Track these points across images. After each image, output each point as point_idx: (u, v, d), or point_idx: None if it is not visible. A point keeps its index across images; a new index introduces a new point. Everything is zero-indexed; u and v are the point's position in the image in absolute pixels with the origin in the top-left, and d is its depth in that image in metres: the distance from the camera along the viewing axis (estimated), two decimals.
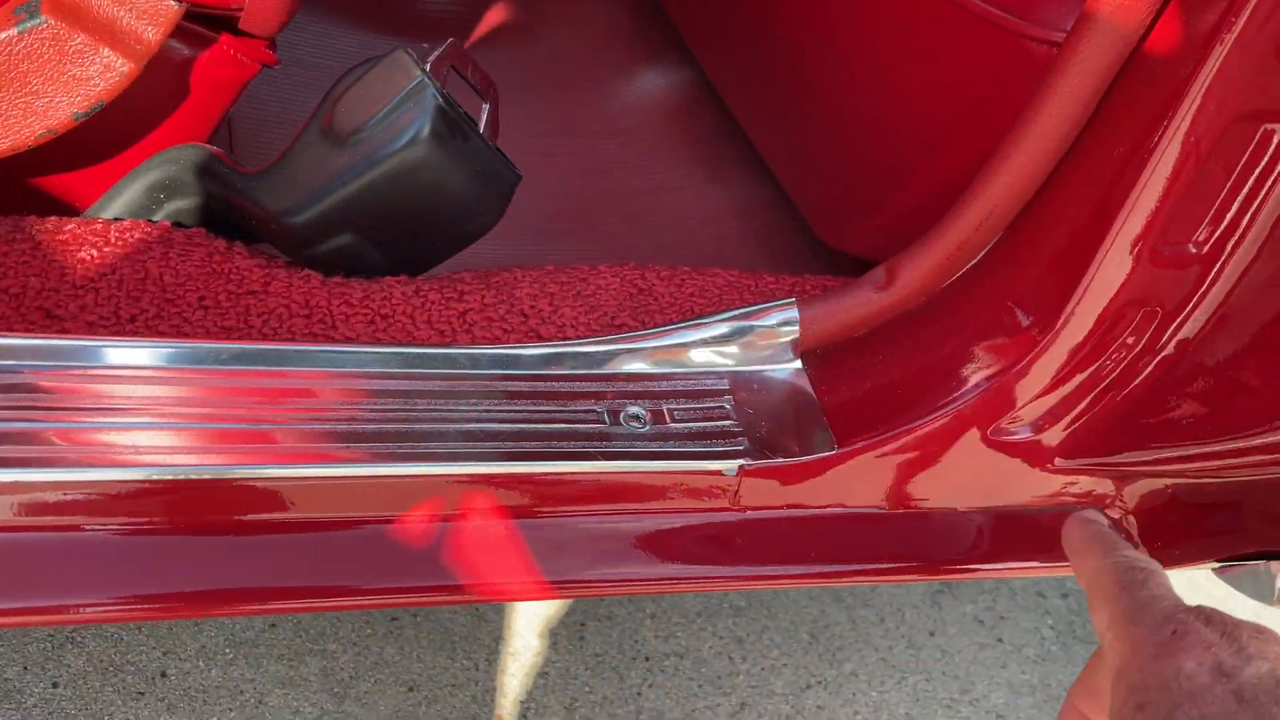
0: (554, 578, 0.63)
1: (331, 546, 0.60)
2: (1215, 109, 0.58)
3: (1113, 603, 0.55)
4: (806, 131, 1.01)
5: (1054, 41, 0.70)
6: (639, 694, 1.23)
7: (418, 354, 0.64)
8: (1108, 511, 0.75)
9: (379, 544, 0.61)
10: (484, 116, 0.73)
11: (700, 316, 0.72)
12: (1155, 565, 0.57)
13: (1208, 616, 0.50)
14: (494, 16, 1.40)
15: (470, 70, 0.72)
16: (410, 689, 1.17)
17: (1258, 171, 0.60)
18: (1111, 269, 0.63)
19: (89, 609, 0.56)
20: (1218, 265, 0.62)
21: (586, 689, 1.22)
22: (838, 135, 0.95)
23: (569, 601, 1.30)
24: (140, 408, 0.58)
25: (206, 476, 0.57)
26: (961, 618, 1.41)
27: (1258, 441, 0.63)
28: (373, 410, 0.61)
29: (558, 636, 1.26)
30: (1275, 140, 0.59)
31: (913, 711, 1.29)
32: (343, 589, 0.59)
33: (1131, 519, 0.74)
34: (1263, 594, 0.67)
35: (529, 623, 1.26)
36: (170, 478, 0.57)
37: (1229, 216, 0.61)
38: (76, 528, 0.57)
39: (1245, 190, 0.60)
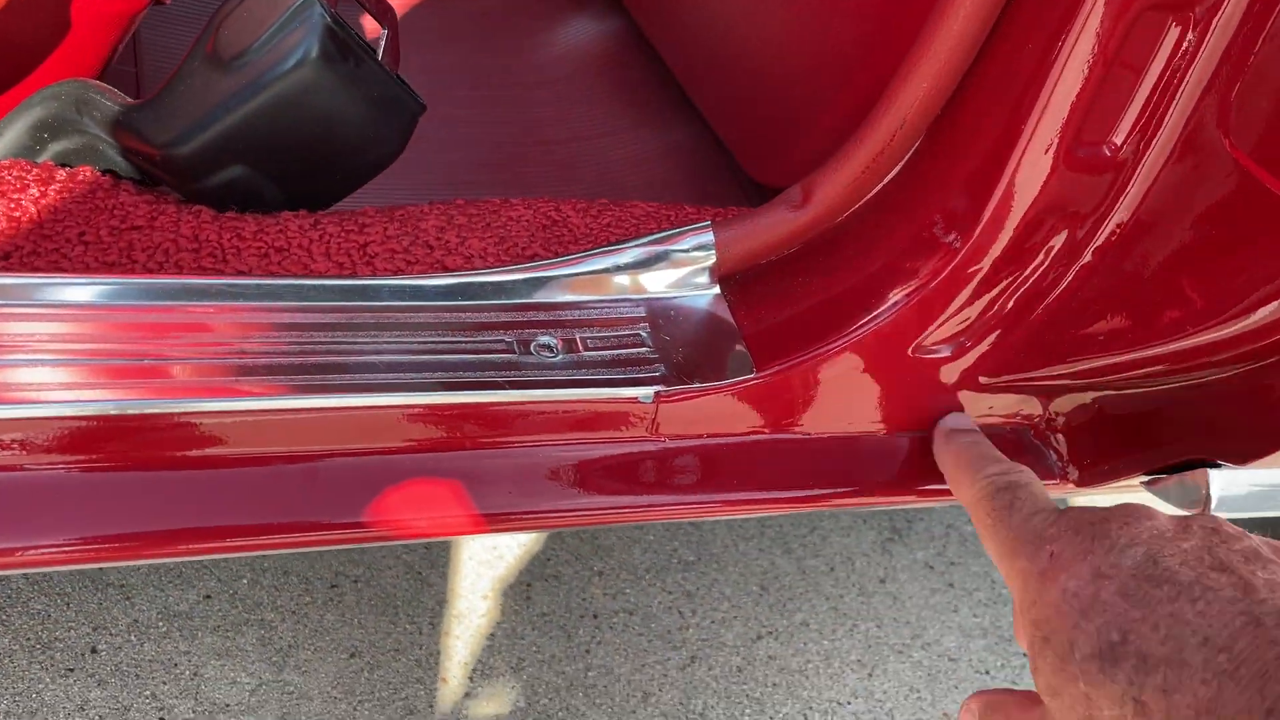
0: (469, 512, 0.61)
1: (232, 484, 0.57)
2: (1122, 2, 0.56)
3: (991, 537, 0.54)
4: (728, 66, 0.98)
5: None
6: (588, 651, 1.22)
7: (313, 285, 0.61)
8: (1036, 427, 0.74)
9: (283, 481, 0.58)
10: (383, 42, 0.70)
11: (616, 242, 0.69)
12: (1022, 478, 0.56)
13: (1075, 523, 0.49)
14: None
15: None
16: (352, 655, 1.15)
17: (1167, 68, 0.58)
18: (1027, 175, 0.61)
19: None
20: (1134, 168, 0.61)
21: (534, 649, 1.20)
22: (756, 67, 0.92)
23: (514, 561, 1.28)
24: (20, 345, 0.55)
25: (97, 413, 0.54)
26: (912, 564, 1.40)
27: (1178, 346, 0.61)
28: (266, 344, 0.58)
29: (503, 597, 1.24)
30: (1185, 34, 0.57)
31: (864, 658, 1.29)
32: (243, 529, 0.57)
33: (1060, 437, 0.73)
34: (1189, 504, 0.66)
35: (473, 585, 1.24)
36: (62, 414, 0.54)
37: (1142, 117, 0.60)
38: None
39: (1157, 88, 0.59)
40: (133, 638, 1.12)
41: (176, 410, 0.55)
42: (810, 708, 1.22)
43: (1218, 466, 0.64)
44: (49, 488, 0.55)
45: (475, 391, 0.60)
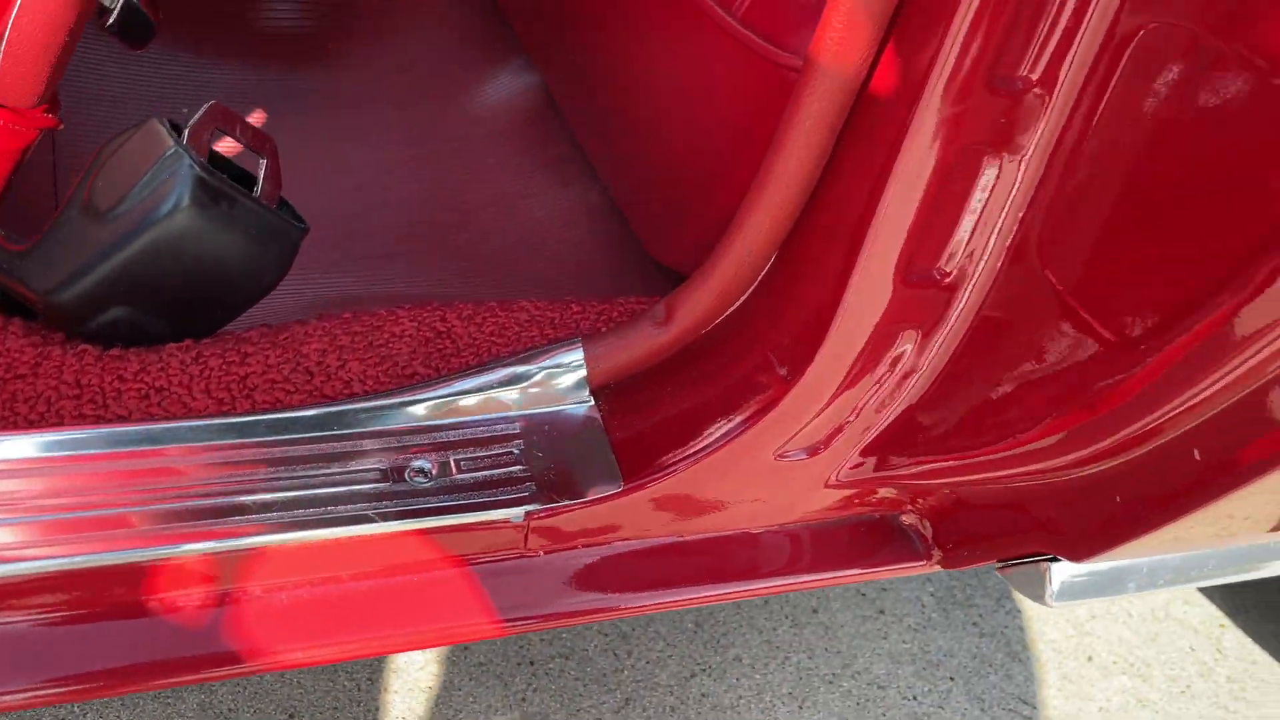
0: (343, 640, 0.65)
1: (105, 631, 0.61)
2: (941, 142, 0.60)
3: None
4: (627, 144, 1.01)
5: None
6: (523, 699, 1.26)
7: (189, 428, 0.64)
8: (903, 513, 0.77)
9: (158, 625, 0.62)
10: (261, 173, 0.73)
11: (490, 362, 0.72)
12: None
13: None
14: (337, 29, 1.39)
15: (239, 129, 0.71)
16: (291, 716, 1.19)
17: (989, 199, 0.61)
18: (866, 298, 0.65)
19: None
20: (961, 288, 0.64)
21: (470, 699, 1.24)
22: (650, 149, 0.95)
23: None
24: None
25: None
26: (844, 592, 1.44)
27: (1015, 451, 0.65)
28: (142, 492, 0.61)
29: (441, 650, 1.28)
30: (996, 166, 0.61)
31: (795, 690, 1.33)
32: (117, 671, 0.60)
33: (926, 523, 0.77)
34: (1036, 594, 0.70)
35: None
36: None
37: (969, 242, 0.63)
38: None
39: (979, 214, 0.62)
40: (75, 708, 1.15)
41: (42, 568, 0.58)
42: None
43: (1058, 560, 0.68)
44: None
45: (344, 527, 0.63)
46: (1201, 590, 1.61)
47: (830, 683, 1.35)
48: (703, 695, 1.30)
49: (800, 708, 1.31)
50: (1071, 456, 0.63)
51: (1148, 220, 0.56)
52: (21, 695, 0.60)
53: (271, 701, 1.19)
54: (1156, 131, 0.55)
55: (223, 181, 0.67)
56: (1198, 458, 0.59)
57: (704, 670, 1.33)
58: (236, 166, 0.71)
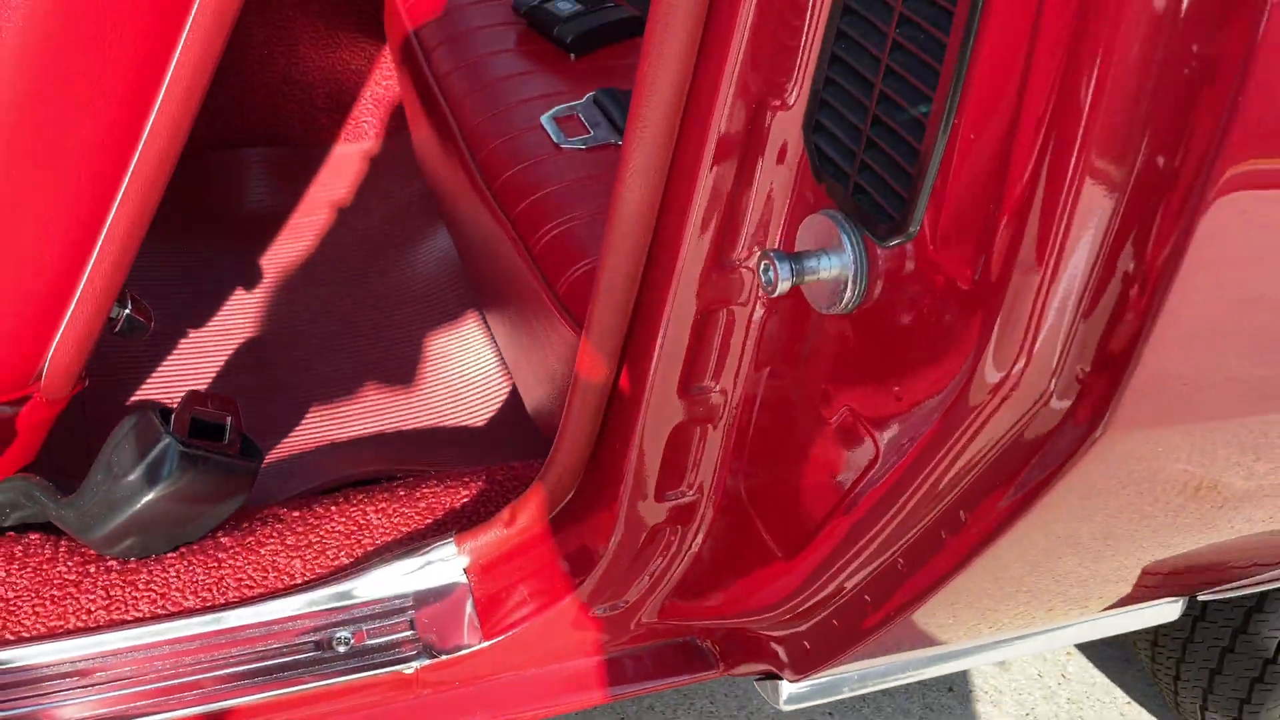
0: None
1: None
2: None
3: None
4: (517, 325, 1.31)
5: None
6: None
7: (179, 625, 0.95)
8: (700, 639, 1.08)
9: None
10: (228, 426, 1.03)
11: (396, 552, 1.03)
12: None
13: None
14: (303, 212, 1.69)
15: (210, 404, 1.02)
16: None
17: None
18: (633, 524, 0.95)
19: None
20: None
21: None
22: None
23: None
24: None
25: None
26: None
27: (748, 609, 0.95)
28: (161, 670, 0.93)
29: None
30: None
31: None
32: None
33: (711, 644, 1.07)
34: (775, 700, 1.00)
35: None
36: None
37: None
38: None
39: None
40: None
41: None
42: None
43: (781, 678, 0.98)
44: None
45: (292, 686, 0.94)
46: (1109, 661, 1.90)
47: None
48: None
49: None
50: (777, 613, 0.93)
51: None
52: None
53: None
54: None
55: (199, 449, 0.98)
56: (867, 600, 0.88)
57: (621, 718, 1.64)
58: (209, 422, 1.02)
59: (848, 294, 0.71)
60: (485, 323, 1.53)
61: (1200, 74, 0.53)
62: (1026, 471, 0.67)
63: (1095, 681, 1.83)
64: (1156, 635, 1.50)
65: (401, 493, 1.11)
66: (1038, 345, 0.60)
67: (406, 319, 1.57)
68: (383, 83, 1.80)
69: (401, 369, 1.50)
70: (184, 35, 0.80)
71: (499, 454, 1.28)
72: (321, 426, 1.41)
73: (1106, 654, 1.86)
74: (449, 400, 1.46)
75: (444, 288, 1.61)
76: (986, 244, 0.60)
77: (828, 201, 0.72)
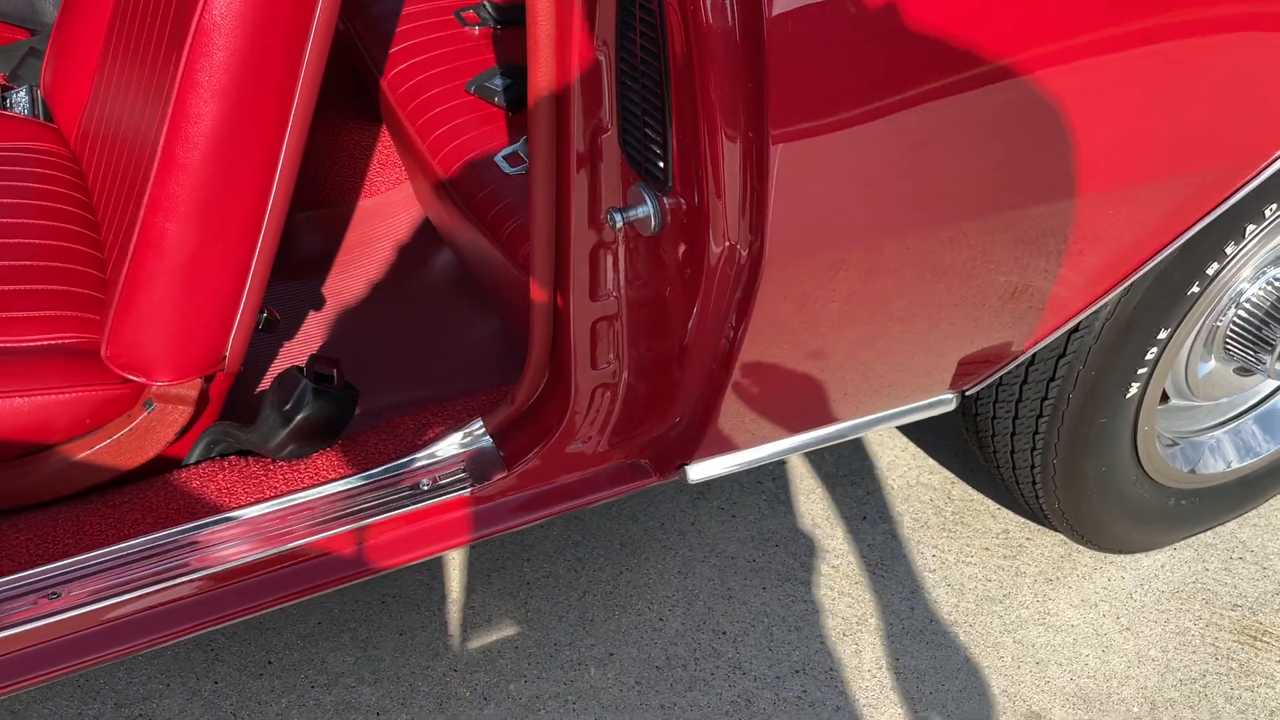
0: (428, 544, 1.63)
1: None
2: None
3: None
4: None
5: None
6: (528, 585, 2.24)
7: (330, 487, 1.63)
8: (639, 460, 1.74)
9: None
10: (335, 374, 1.71)
11: (454, 429, 1.70)
12: None
13: None
14: (344, 251, 2.36)
15: (322, 362, 1.70)
16: (384, 602, 2.17)
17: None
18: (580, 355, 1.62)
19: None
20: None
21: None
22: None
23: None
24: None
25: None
26: (707, 506, 2.41)
27: (659, 420, 1.61)
28: (295, 525, 1.59)
29: (459, 568, 2.26)
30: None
31: (678, 567, 2.30)
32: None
33: (646, 461, 1.74)
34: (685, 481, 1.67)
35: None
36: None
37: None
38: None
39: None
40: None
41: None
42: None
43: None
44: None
45: (407, 507, 1.61)
46: (938, 462, 2.56)
47: (702, 561, 2.32)
48: (618, 573, 2.28)
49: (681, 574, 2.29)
50: (671, 418, 1.59)
51: None
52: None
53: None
54: None
55: (322, 386, 1.66)
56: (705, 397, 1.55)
57: (609, 559, 2.30)
58: (324, 373, 1.70)
59: (654, 223, 1.38)
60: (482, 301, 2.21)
61: None
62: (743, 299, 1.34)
63: (973, 498, 2.48)
64: (976, 422, 2.12)
65: (438, 409, 1.79)
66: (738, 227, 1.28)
67: (429, 312, 2.26)
68: (381, 151, 2.48)
69: (431, 343, 2.18)
70: (296, 97, 1.46)
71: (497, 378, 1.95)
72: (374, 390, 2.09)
73: (981, 479, 2.52)
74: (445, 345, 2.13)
75: (449, 284, 2.29)
76: (698, 181, 1.28)
77: (636, 177, 1.39)
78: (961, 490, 2.50)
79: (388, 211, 2.46)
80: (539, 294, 1.57)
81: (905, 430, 2.64)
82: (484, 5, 2.29)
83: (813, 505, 2.45)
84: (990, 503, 2.47)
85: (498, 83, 2.04)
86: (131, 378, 1.57)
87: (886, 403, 1.74)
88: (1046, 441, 1.96)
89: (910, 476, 2.53)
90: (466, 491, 1.65)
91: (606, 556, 2.33)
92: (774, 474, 2.51)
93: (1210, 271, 1.78)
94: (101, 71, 1.92)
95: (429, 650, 2.15)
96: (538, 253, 1.51)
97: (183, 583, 1.54)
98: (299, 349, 2.02)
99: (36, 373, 1.56)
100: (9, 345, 1.60)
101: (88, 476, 1.58)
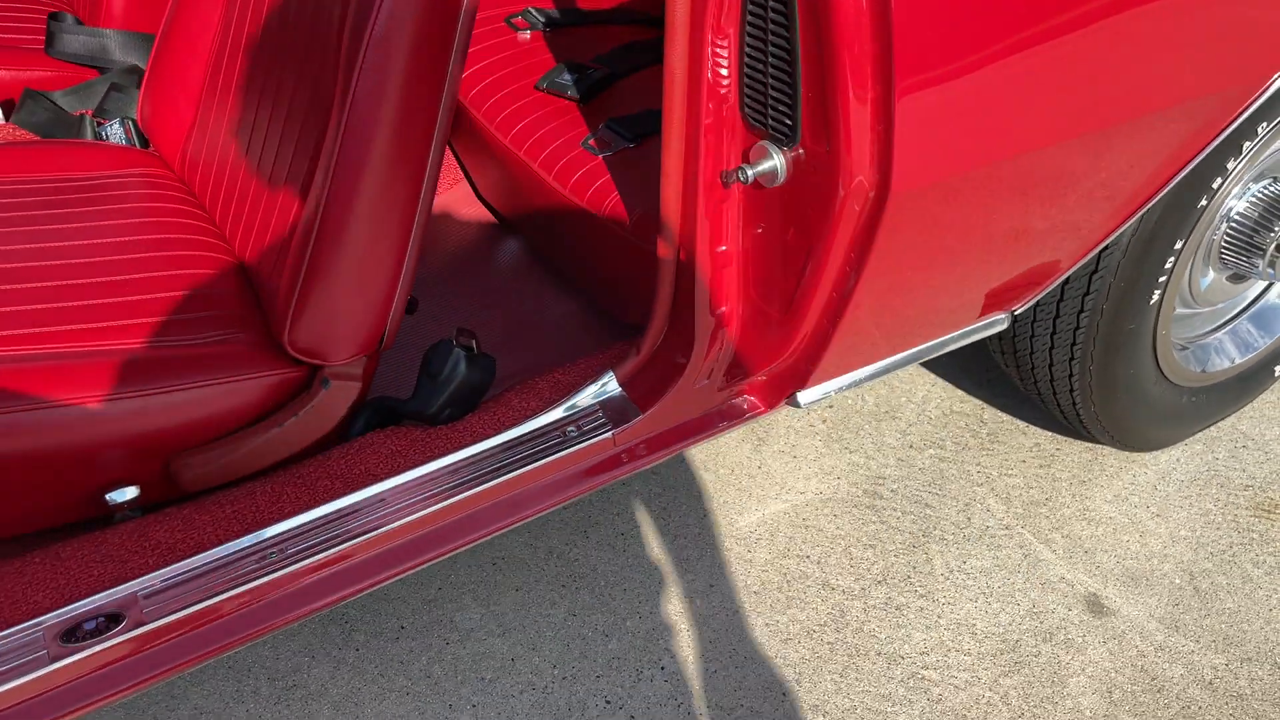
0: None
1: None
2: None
3: None
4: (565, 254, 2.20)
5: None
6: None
7: (490, 443, 1.83)
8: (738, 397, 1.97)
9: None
10: (475, 343, 1.91)
11: (583, 387, 1.91)
12: None
13: None
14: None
15: (462, 334, 1.89)
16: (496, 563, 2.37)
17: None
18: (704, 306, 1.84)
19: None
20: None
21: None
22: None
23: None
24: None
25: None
26: (774, 443, 2.65)
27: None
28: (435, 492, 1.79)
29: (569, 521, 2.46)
30: None
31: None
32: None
33: (755, 398, 1.97)
34: (794, 404, 1.90)
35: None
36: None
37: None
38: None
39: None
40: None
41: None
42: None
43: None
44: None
45: (559, 452, 1.81)
46: (966, 393, 2.83)
47: (775, 499, 2.56)
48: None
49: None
50: (786, 353, 1.82)
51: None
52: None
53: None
54: None
55: (470, 352, 1.86)
56: (826, 324, 1.78)
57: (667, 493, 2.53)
58: (468, 344, 1.90)
59: (780, 175, 1.61)
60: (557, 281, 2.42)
61: None
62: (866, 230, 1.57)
63: (1003, 420, 2.75)
64: (1015, 344, 2.39)
65: (565, 370, 1.99)
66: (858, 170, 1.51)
67: (513, 295, 2.46)
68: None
69: (523, 321, 2.38)
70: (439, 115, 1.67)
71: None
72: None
73: (1010, 403, 2.79)
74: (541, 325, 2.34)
75: (524, 269, 2.49)
76: (828, 132, 1.51)
77: (757, 137, 1.62)
78: (992, 414, 2.77)
79: (451, 210, 2.66)
80: (665, 250, 1.79)
81: (930, 366, 2.91)
82: (530, 11, 2.51)
83: (863, 441, 2.70)
84: (1020, 421, 2.75)
85: (567, 78, 2.25)
86: (311, 361, 1.76)
87: (960, 323, 1.99)
88: (1084, 351, 2.23)
89: (945, 407, 2.79)
90: (609, 434, 1.86)
91: (689, 505, 2.55)
92: (825, 417, 2.75)
93: (1215, 186, 2.07)
94: (210, 99, 2.09)
95: (546, 601, 2.35)
96: (667, 212, 1.73)
97: (372, 538, 1.72)
98: (408, 336, 2.21)
99: (224, 364, 1.74)
100: (191, 342, 1.77)
101: (280, 451, 1.76)
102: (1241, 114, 1.84)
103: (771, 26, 1.51)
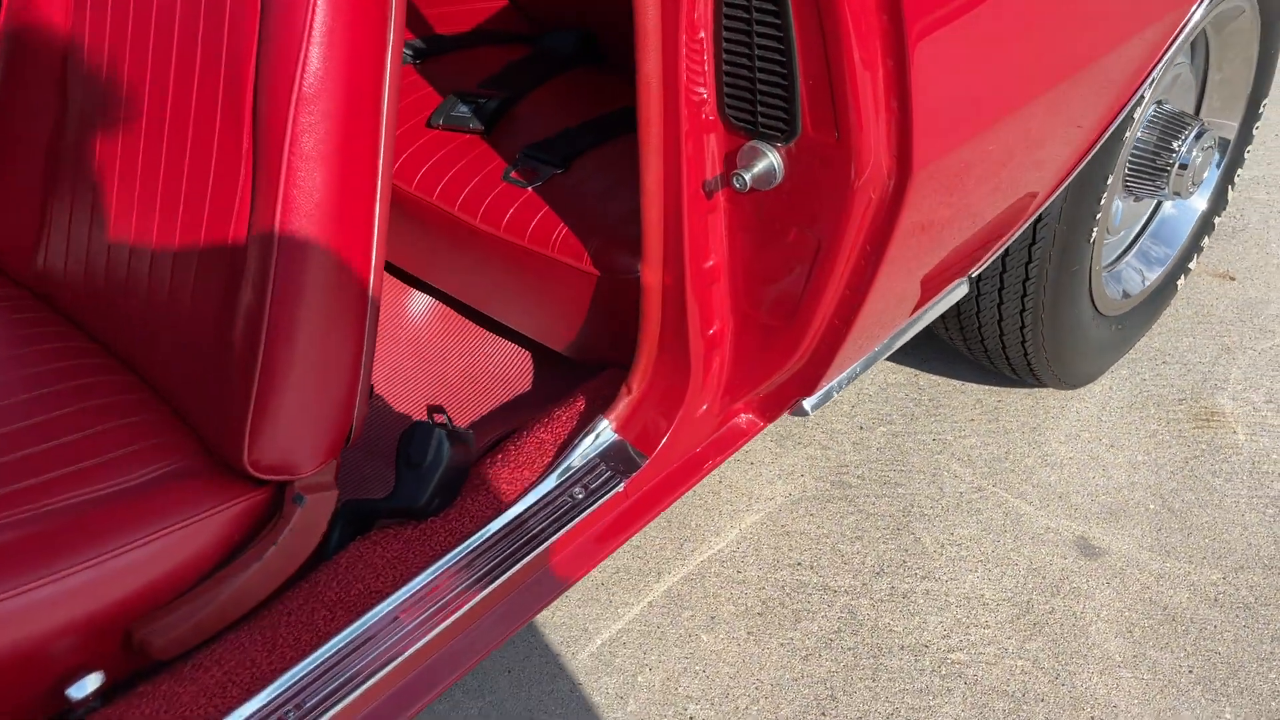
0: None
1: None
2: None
3: None
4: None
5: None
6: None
7: (497, 522, 1.62)
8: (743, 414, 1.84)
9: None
10: (448, 417, 1.69)
11: (579, 436, 1.72)
12: None
13: None
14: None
15: (447, 419, 1.67)
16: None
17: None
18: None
19: None
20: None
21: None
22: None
23: None
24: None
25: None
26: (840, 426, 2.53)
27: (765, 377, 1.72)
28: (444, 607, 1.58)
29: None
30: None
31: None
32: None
33: (754, 417, 1.83)
34: (801, 412, 1.78)
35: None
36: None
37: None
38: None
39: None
40: None
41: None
42: None
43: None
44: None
45: (572, 520, 1.62)
46: (895, 364, 2.80)
47: (745, 511, 2.43)
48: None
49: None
50: (791, 363, 1.70)
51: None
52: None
53: None
54: None
55: (451, 431, 1.64)
56: (837, 324, 1.67)
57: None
58: (444, 423, 1.68)
59: (778, 175, 1.48)
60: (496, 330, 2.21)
61: None
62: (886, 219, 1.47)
63: (939, 383, 2.73)
64: (958, 307, 2.36)
65: (543, 427, 1.80)
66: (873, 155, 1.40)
67: (456, 356, 2.23)
68: None
69: (482, 389, 2.16)
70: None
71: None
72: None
73: (944, 367, 2.77)
74: (512, 377, 2.14)
75: (455, 331, 2.27)
76: (837, 118, 1.39)
77: (745, 139, 1.49)
78: (926, 379, 2.75)
79: None
80: (650, 275, 1.62)
81: None
82: None
83: (814, 432, 2.62)
84: (955, 380, 2.73)
85: (463, 109, 2.04)
86: (278, 479, 1.50)
87: (931, 295, 1.92)
88: (1035, 302, 2.21)
89: (880, 380, 2.75)
90: (620, 487, 1.69)
91: (661, 539, 2.39)
92: None
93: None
94: (61, 196, 1.78)
95: (544, 676, 2.14)
96: (650, 234, 1.57)
97: (397, 666, 1.49)
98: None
99: (173, 503, 1.46)
100: (124, 485, 1.48)
101: (263, 590, 1.49)
102: (1176, 37, 1.84)
103: (756, 23, 1.37)
